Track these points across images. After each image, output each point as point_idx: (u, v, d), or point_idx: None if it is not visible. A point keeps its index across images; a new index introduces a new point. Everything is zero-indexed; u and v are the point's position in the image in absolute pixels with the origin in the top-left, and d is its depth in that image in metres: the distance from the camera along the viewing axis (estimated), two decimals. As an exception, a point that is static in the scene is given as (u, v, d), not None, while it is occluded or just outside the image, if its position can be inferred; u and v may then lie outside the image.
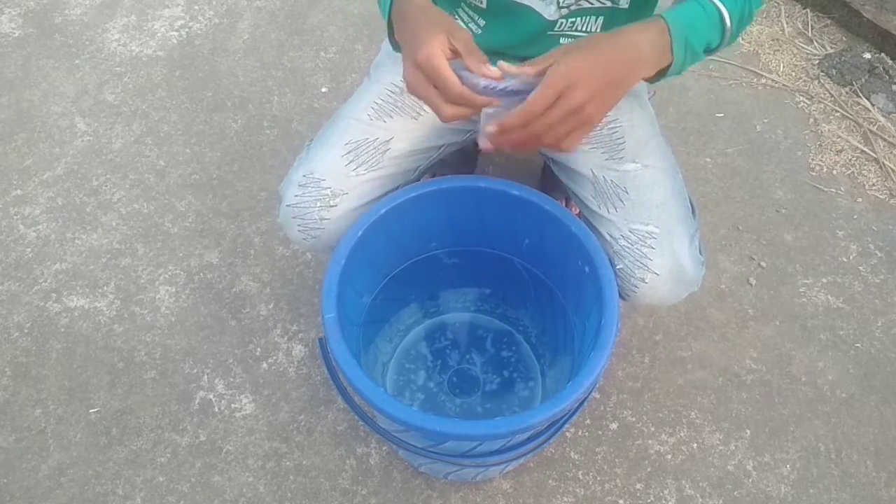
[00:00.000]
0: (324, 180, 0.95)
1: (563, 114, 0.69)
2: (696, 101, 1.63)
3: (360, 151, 0.97)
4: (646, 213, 0.92)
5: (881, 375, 1.27)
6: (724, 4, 0.80)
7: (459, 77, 0.69)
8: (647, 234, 0.91)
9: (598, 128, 0.98)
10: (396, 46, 0.85)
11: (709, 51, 0.82)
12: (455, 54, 0.72)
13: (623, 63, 0.72)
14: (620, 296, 0.95)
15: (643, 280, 0.91)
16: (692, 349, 1.29)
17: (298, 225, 0.96)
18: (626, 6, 0.94)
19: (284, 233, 1.00)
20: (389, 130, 0.98)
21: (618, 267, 0.93)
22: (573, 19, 0.96)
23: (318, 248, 0.99)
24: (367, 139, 0.97)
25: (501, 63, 0.72)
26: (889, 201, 1.48)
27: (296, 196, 0.96)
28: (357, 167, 0.96)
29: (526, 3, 0.95)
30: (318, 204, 0.95)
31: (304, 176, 0.96)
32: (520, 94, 0.69)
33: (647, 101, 1.06)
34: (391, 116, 0.99)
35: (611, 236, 0.94)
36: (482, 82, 0.67)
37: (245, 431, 1.21)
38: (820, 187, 1.50)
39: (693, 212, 0.97)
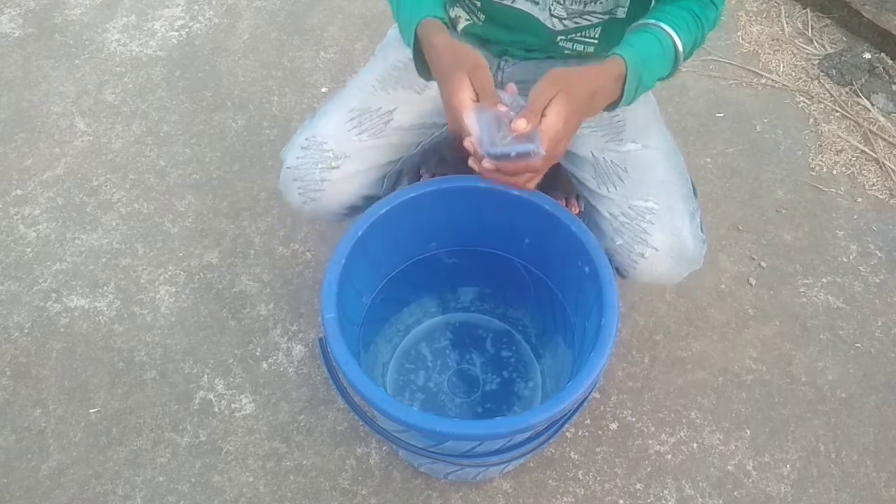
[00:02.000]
0: (326, 143, 0.96)
1: (553, 160, 0.79)
2: (696, 101, 1.63)
3: (363, 118, 0.98)
4: (645, 190, 0.93)
5: (881, 375, 1.27)
6: (679, 37, 0.85)
7: (481, 137, 0.77)
8: (646, 210, 0.91)
9: (598, 115, 1.00)
10: (424, 75, 0.90)
11: (659, 80, 0.87)
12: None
13: (586, 111, 0.80)
14: (620, 273, 0.95)
15: (642, 255, 0.91)
16: (692, 349, 1.29)
17: (299, 187, 0.96)
18: (623, 16, 0.95)
19: (283, 197, 1.00)
20: (393, 101, 0.99)
21: (617, 243, 0.93)
22: (572, 35, 0.99)
23: (318, 212, 0.99)
24: (370, 108, 0.98)
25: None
26: (889, 201, 1.48)
27: (297, 158, 0.96)
28: (360, 133, 0.97)
29: (525, 10, 0.96)
30: (320, 166, 0.95)
31: (306, 139, 0.97)
32: (513, 158, 0.76)
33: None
34: (395, 89, 1.00)
35: (610, 214, 0.94)
36: (490, 150, 0.75)
37: (245, 431, 1.21)
38: (820, 187, 1.50)
39: (694, 192, 0.97)
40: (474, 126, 0.76)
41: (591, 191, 0.98)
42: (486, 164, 0.77)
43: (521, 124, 0.74)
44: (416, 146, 1.04)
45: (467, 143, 0.77)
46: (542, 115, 0.76)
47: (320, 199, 0.96)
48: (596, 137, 0.99)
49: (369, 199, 1.01)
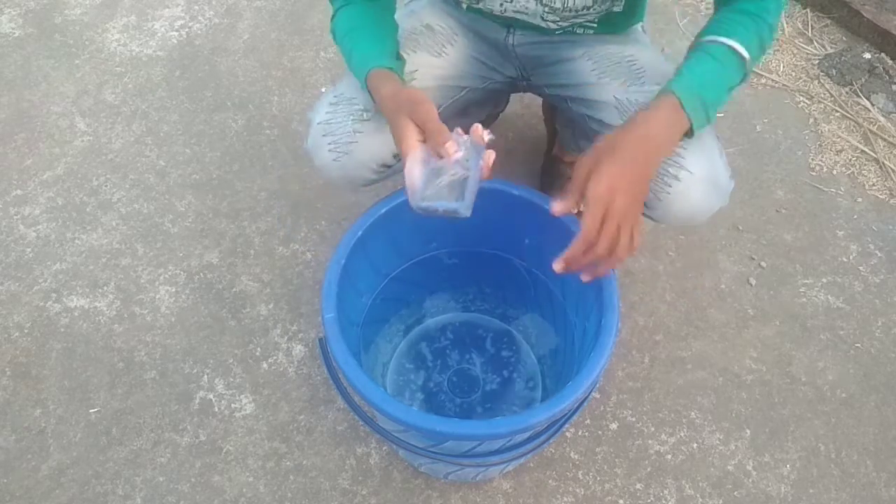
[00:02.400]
0: (355, 98, 0.96)
1: (615, 226, 0.76)
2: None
3: None
4: None
5: (881, 375, 1.27)
6: (734, 40, 0.83)
7: (419, 185, 0.76)
8: None
9: (616, 62, 1.00)
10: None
11: (732, 89, 0.85)
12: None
13: (645, 159, 0.78)
14: (648, 206, 0.92)
15: (676, 177, 0.88)
16: (692, 349, 1.29)
17: (330, 142, 0.95)
18: (620, 9, 0.95)
19: (313, 159, 0.99)
20: (413, 64, 1.00)
21: None
22: (569, 29, 1.00)
23: (349, 170, 0.97)
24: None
25: (458, 130, 0.78)
26: (889, 201, 1.48)
27: (327, 113, 0.96)
28: None
29: (517, 17, 0.99)
30: (352, 118, 0.95)
31: (334, 96, 0.97)
32: (441, 213, 0.75)
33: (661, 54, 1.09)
34: (415, 51, 1.02)
35: None
36: (420, 204, 0.75)
37: (245, 431, 1.21)
38: (820, 187, 1.50)
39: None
40: (411, 175, 0.76)
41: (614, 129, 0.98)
42: (567, 264, 0.78)
43: (557, 206, 0.75)
44: (439, 108, 1.05)
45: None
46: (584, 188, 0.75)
47: (353, 152, 0.95)
48: (616, 84, 0.99)
49: (399, 157, 1.00)
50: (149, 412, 1.23)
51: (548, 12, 0.97)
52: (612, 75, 0.99)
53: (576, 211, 0.79)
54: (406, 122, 0.78)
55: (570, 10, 0.95)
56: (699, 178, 0.88)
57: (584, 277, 0.81)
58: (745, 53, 0.83)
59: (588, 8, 0.95)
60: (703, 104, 0.81)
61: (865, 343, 1.30)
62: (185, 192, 1.49)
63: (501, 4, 0.99)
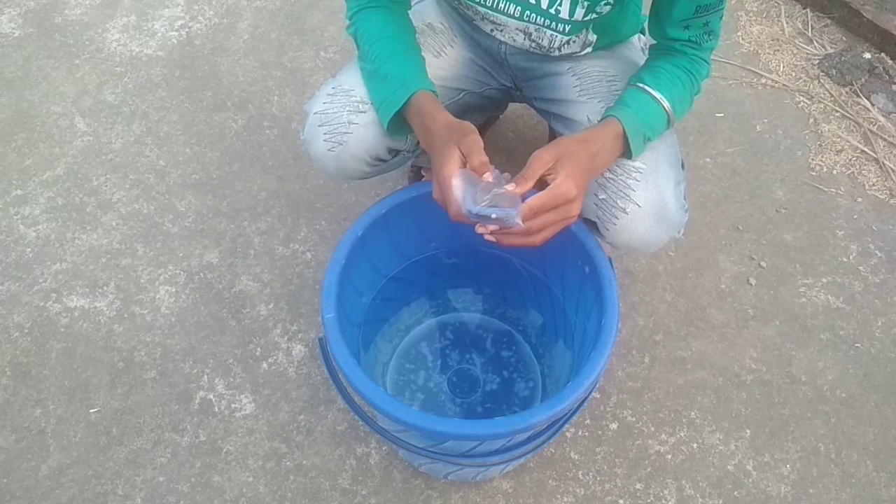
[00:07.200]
0: (353, 90, 0.97)
1: (559, 218, 0.81)
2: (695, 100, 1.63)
3: None
4: None
5: (881, 375, 1.27)
6: (670, 102, 0.91)
7: (464, 196, 0.80)
8: (633, 168, 0.92)
9: (598, 80, 1.03)
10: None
11: (659, 135, 0.93)
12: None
13: (593, 171, 0.86)
14: (599, 231, 0.96)
15: (624, 210, 0.91)
16: (692, 349, 1.29)
17: (325, 132, 0.96)
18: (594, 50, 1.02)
19: (309, 149, 1.00)
20: None
21: (600, 197, 0.93)
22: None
23: (344, 161, 0.98)
24: None
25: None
26: (889, 201, 1.48)
27: (324, 103, 0.97)
28: None
29: (505, 41, 1.04)
30: (347, 109, 0.96)
31: (332, 88, 0.98)
32: (493, 220, 0.79)
33: None
34: None
35: None
36: (472, 209, 0.78)
37: (245, 431, 1.21)
38: (820, 187, 1.50)
39: (682, 165, 0.99)
40: (458, 188, 0.79)
41: None
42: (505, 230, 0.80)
43: (511, 188, 0.77)
44: None
45: (453, 215, 0.80)
46: (551, 180, 0.79)
47: (347, 142, 0.96)
48: (593, 104, 1.01)
49: (394, 152, 1.01)
50: (149, 412, 1.23)
51: (534, 48, 1.01)
52: (591, 93, 1.02)
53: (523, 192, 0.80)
54: (453, 150, 0.81)
55: (556, 49, 0.99)
56: (646, 212, 0.91)
57: (481, 230, 0.81)
58: (673, 115, 0.92)
59: (574, 53, 1.01)
60: (643, 139, 0.89)
61: (865, 343, 1.30)
62: (185, 192, 1.49)
63: (492, 31, 1.01)
